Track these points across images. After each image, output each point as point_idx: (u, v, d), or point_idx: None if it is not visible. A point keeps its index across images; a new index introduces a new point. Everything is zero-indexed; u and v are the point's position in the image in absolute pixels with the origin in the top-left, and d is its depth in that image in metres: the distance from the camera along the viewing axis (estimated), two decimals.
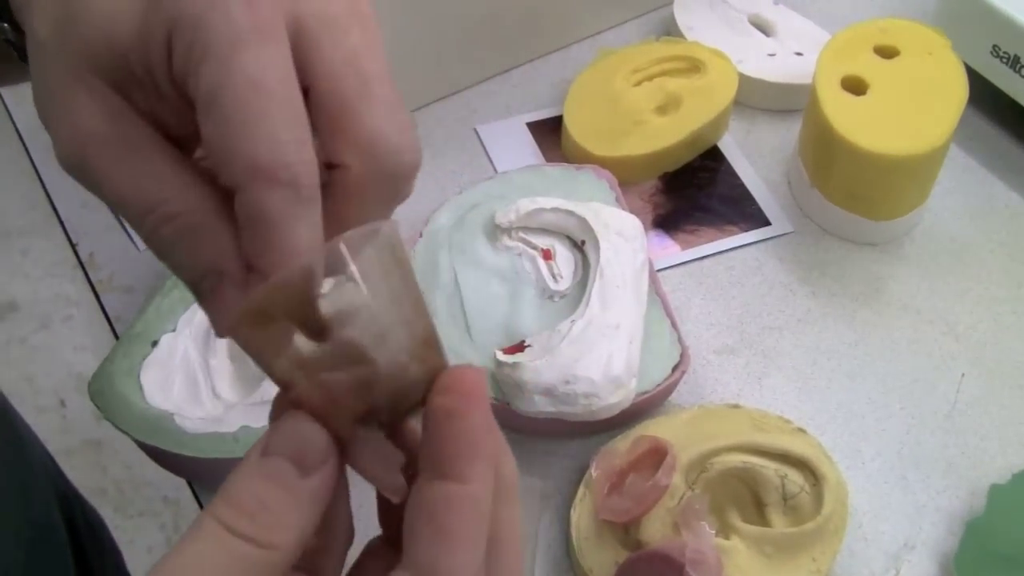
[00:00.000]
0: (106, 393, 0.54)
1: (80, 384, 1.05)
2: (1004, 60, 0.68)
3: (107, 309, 0.63)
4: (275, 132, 0.29)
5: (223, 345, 0.56)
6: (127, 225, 0.65)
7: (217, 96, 0.29)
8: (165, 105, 0.31)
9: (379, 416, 0.29)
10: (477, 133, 0.71)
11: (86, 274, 0.64)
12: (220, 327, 0.31)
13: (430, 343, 0.30)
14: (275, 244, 0.29)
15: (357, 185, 0.31)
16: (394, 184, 0.31)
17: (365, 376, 0.28)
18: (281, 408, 0.29)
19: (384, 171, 0.31)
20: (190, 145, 0.33)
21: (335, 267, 0.28)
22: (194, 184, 0.31)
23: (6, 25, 0.40)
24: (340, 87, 0.31)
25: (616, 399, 0.54)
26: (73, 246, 0.65)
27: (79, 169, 0.31)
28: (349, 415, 0.29)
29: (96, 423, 1.20)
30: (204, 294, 0.31)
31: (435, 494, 0.28)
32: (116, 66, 0.31)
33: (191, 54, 0.29)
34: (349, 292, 0.28)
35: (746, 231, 0.67)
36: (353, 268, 0.28)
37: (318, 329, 0.28)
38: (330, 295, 0.28)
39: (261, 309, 0.28)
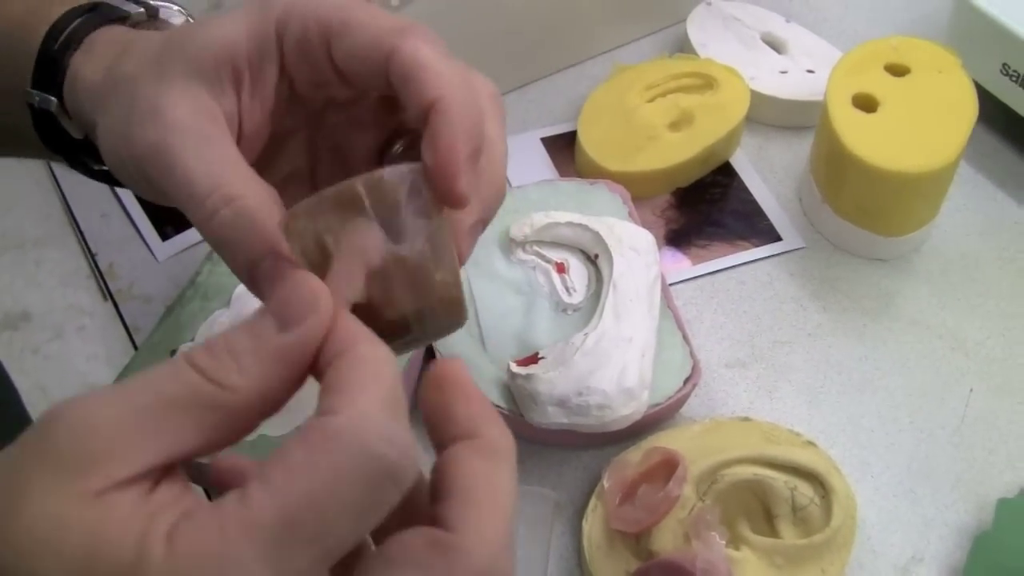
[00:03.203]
0: None
1: None
2: (1014, 79, 0.69)
3: (126, 318, 0.64)
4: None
5: None
6: (146, 236, 0.66)
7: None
8: (256, 99, 0.37)
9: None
10: None
11: (105, 284, 0.65)
12: (287, 306, 0.31)
13: (459, 281, 0.33)
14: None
15: (447, 109, 0.34)
16: (454, 196, 0.33)
17: (419, 285, 0.31)
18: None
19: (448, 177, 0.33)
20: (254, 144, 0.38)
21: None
22: (254, 178, 0.34)
23: (54, 99, 0.42)
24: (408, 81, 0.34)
25: (628, 411, 0.55)
26: (92, 256, 0.66)
27: (154, 156, 0.35)
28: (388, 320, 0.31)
29: None
30: (262, 276, 0.33)
31: (477, 456, 0.30)
32: (219, 66, 0.36)
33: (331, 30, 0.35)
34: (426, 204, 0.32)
35: (757, 246, 0.67)
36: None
37: (398, 231, 0.31)
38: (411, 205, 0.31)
39: (350, 196, 0.31)
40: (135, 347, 0.62)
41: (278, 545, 0.26)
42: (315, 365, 0.29)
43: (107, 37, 0.41)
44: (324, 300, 0.29)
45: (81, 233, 0.67)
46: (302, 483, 0.27)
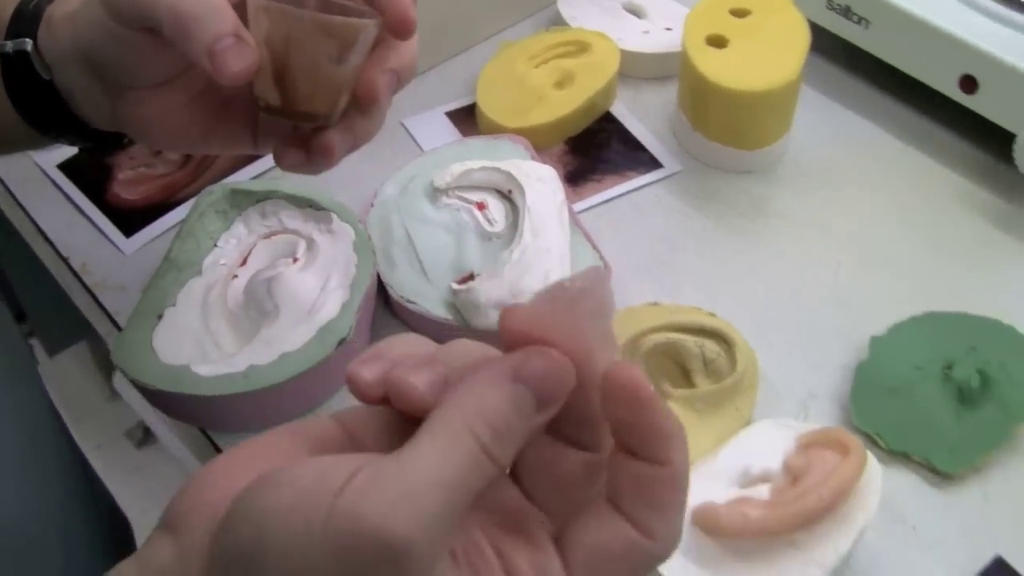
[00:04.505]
0: (128, 359, 0.63)
1: None
2: (838, 11, 0.82)
3: (105, 306, 0.72)
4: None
5: (219, 309, 0.66)
6: (111, 236, 0.75)
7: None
8: None
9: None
10: (405, 126, 0.82)
11: (80, 280, 0.73)
12: (236, 60, 0.45)
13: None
14: None
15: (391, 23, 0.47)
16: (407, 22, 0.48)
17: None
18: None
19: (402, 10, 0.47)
20: None
21: None
22: None
23: (29, 40, 0.51)
24: None
25: None
26: (66, 260, 0.74)
27: None
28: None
29: None
30: (223, 51, 0.45)
31: (649, 476, 0.33)
32: None
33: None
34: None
35: (643, 175, 0.78)
36: None
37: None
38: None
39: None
40: (117, 327, 0.71)
41: None
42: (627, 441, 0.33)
43: None
44: (569, 382, 0.32)
45: (52, 243, 0.75)
46: None
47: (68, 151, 0.79)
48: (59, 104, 0.53)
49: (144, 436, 1.78)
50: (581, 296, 0.33)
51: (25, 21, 0.52)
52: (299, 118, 0.49)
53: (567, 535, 0.34)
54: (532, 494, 0.35)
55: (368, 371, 0.35)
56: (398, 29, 0.48)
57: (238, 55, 0.45)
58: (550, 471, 0.35)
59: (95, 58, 0.50)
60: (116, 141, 0.58)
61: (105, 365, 1.61)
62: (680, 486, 0.33)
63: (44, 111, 0.54)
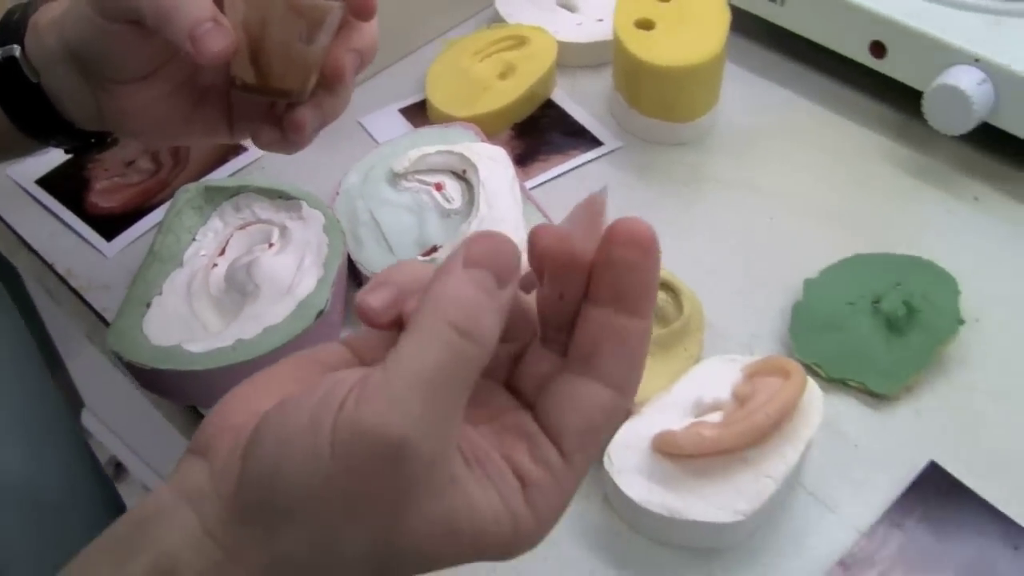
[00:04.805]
0: (122, 343, 0.67)
1: None
2: None
3: (93, 305, 0.76)
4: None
5: (202, 295, 0.70)
6: (92, 241, 0.79)
7: None
8: None
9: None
10: (361, 124, 0.87)
11: (67, 284, 0.78)
12: (216, 42, 0.50)
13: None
14: None
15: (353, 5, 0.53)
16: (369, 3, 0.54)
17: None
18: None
19: None
20: None
21: None
22: None
23: (16, 46, 0.56)
24: None
25: None
26: (51, 266, 0.79)
27: None
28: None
29: None
30: (203, 34, 0.49)
31: (628, 328, 0.37)
32: None
33: None
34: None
35: (586, 152, 0.84)
36: None
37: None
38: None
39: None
40: (105, 323, 0.75)
41: (573, 493, 0.38)
42: None
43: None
44: (512, 251, 0.36)
45: (36, 252, 0.80)
46: (598, 449, 0.38)
47: (45, 166, 0.83)
48: (47, 107, 0.58)
49: (116, 472, 1.81)
50: (602, 208, 0.38)
51: (10, 31, 0.57)
52: (273, 94, 0.54)
53: (552, 422, 0.38)
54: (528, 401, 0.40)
55: (375, 298, 0.38)
56: (360, 10, 0.53)
57: (217, 37, 0.50)
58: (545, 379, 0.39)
59: (83, 54, 0.55)
60: (100, 141, 0.62)
61: (75, 404, 1.65)
62: (648, 341, 0.38)
63: (33, 114, 0.59)
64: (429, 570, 0.37)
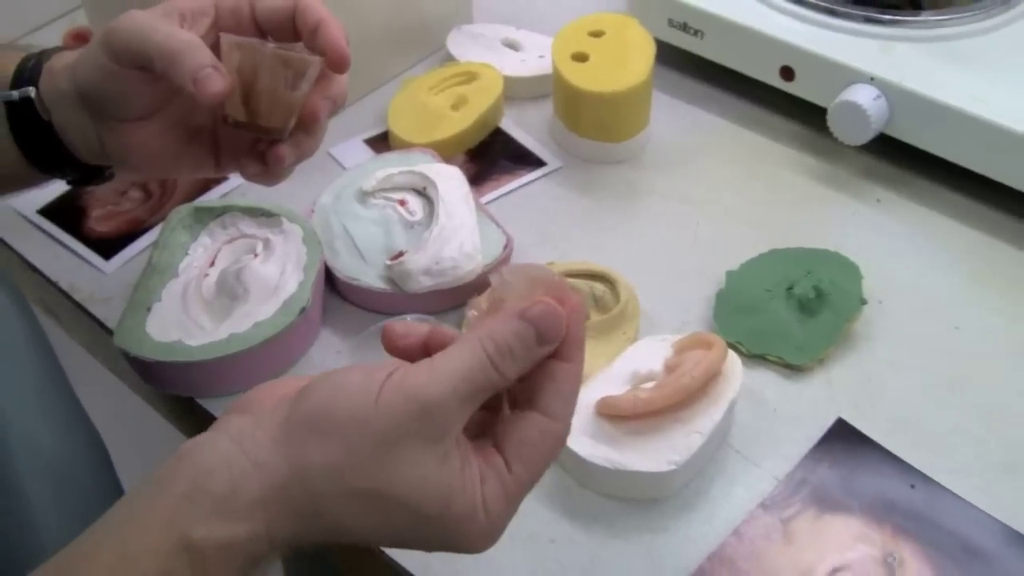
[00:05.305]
0: (128, 340, 0.76)
1: None
2: (677, 27, 1.00)
3: (95, 314, 0.85)
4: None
5: (196, 300, 0.79)
6: (91, 260, 0.88)
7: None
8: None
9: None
10: (331, 154, 0.97)
11: (70, 297, 0.86)
12: (215, 84, 0.59)
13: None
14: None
15: (331, 21, 0.61)
16: (344, 59, 0.62)
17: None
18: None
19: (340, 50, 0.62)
20: None
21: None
22: (193, 38, 0.60)
23: (32, 88, 0.65)
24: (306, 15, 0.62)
25: (471, 266, 0.80)
26: (55, 283, 0.88)
27: (132, 29, 0.60)
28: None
29: None
30: (205, 78, 0.58)
31: (561, 370, 0.48)
32: (169, 12, 0.62)
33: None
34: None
35: (531, 172, 0.95)
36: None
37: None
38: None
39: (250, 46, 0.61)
40: (108, 331, 0.84)
41: (518, 502, 0.49)
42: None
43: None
44: (563, 328, 0.48)
45: (40, 272, 0.89)
46: (539, 466, 0.48)
47: (45, 198, 0.92)
48: (55, 142, 0.66)
49: None
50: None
51: (27, 75, 0.66)
52: (259, 131, 0.64)
53: (499, 442, 0.49)
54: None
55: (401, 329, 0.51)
56: (338, 64, 0.63)
57: (216, 80, 0.59)
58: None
59: (93, 95, 0.63)
60: (99, 173, 0.71)
61: None
62: (579, 380, 0.50)
63: (43, 149, 0.67)
64: (400, 530, 0.47)
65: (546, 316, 0.47)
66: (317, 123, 0.65)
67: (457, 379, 0.46)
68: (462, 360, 0.46)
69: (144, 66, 0.60)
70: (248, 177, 0.67)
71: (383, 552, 0.68)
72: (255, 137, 0.66)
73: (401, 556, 0.68)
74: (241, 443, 0.46)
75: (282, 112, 0.63)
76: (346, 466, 0.45)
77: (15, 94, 0.65)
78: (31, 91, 0.65)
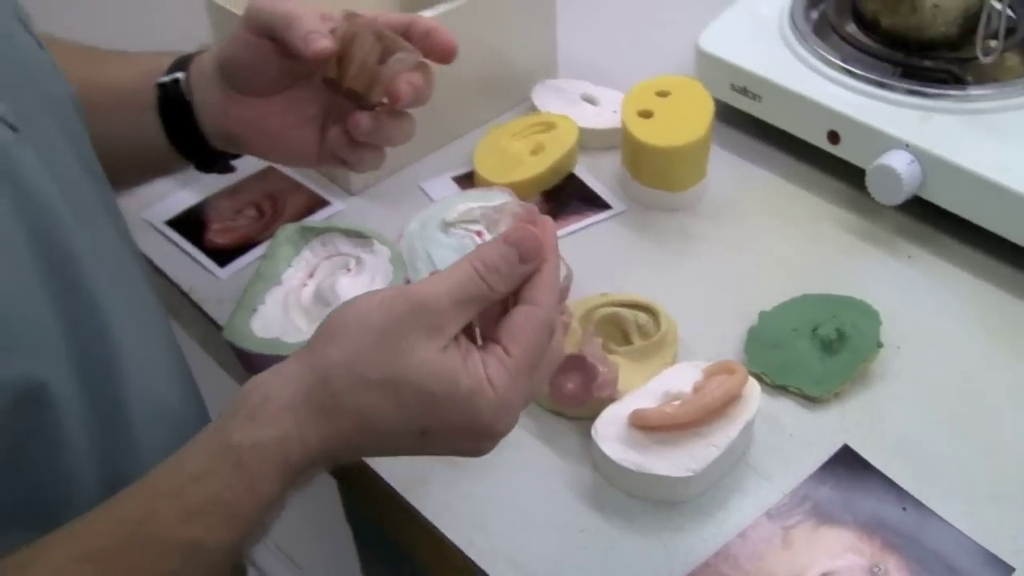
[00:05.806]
0: (236, 335, 0.89)
1: None
2: (737, 91, 1.11)
3: (209, 313, 0.99)
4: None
5: (295, 307, 0.93)
6: (209, 268, 1.02)
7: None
8: None
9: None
10: (422, 188, 1.10)
11: (188, 298, 1.00)
12: (317, 43, 0.72)
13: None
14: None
15: (437, 25, 0.75)
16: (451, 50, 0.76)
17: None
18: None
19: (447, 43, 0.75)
20: None
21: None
22: (309, 10, 0.74)
23: (181, 73, 0.80)
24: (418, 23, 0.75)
25: None
26: (179, 287, 1.02)
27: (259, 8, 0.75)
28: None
29: None
30: (312, 39, 0.71)
31: (543, 268, 0.60)
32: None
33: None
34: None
35: (597, 214, 1.06)
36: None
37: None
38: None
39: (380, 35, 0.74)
40: (219, 327, 0.97)
41: (522, 379, 0.57)
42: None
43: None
44: (541, 247, 0.59)
45: (165, 275, 1.03)
46: (532, 345, 0.57)
47: (171, 211, 1.07)
48: (191, 122, 0.80)
49: None
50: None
51: (179, 65, 0.81)
52: (345, 93, 0.76)
53: (496, 335, 0.58)
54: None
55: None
56: (444, 53, 0.76)
57: (319, 40, 0.72)
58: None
59: (231, 63, 0.77)
60: (224, 163, 0.85)
61: None
62: (556, 272, 0.60)
63: (180, 128, 0.80)
64: (418, 414, 0.56)
65: (525, 239, 0.58)
66: (398, 102, 0.74)
67: (450, 283, 0.56)
68: (455, 274, 0.57)
69: (272, 35, 0.74)
70: (349, 161, 0.81)
71: (452, 542, 0.80)
72: (351, 140, 0.78)
73: (471, 550, 0.79)
74: (277, 368, 0.59)
75: (365, 79, 0.75)
76: (356, 360, 0.56)
77: (167, 78, 0.80)
78: (180, 75, 0.79)
